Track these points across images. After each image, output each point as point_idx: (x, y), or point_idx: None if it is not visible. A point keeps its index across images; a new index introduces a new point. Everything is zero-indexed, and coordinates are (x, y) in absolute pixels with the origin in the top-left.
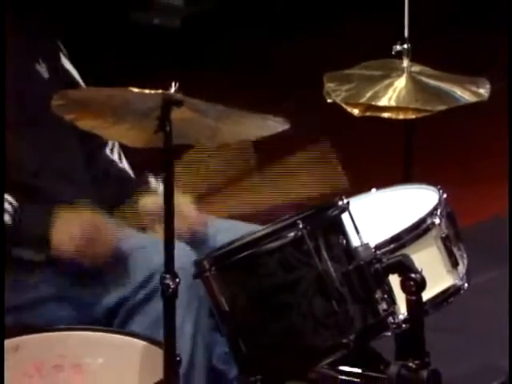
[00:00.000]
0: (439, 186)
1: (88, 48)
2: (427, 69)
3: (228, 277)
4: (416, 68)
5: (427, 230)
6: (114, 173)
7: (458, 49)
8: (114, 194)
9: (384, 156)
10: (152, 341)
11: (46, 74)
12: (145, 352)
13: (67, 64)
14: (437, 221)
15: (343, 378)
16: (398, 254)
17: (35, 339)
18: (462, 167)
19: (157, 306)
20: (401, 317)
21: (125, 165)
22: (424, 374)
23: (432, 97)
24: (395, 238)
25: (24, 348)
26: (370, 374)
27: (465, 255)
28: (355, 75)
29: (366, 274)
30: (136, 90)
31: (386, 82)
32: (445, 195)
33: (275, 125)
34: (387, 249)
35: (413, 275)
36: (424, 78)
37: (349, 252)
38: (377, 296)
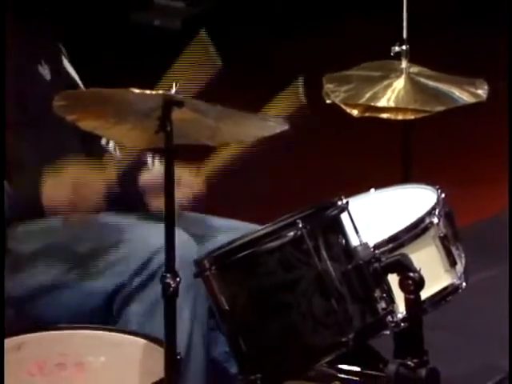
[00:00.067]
0: (437, 186)
1: (89, 49)
2: (426, 70)
3: (228, 276)
4: (414, 69)
5: (425, 229)
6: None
7: (457, 49)
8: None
9: (383, 156)
10: (153, 339)
11: (48, 76)
12: (146, 350)
13: (68, 66)
14: (435, 220)
15: (342, 376)
16: (396, 253)
17: (37, 338)
18: (461, 167)
19: (152, 292)
20: (399, 315)
21: (118, 155)
22: (422, 372)
23: (430, 97)
24: (394, 238)
25: (26, 347)
26: (369, 372)
27: (463, 254)
28: (354, 76)
29: (365, 273)
30: (137, 90)
31: (385, 82)
32: (443, 195)
33: (275, 125)
34: (386, 248)
35: (411, 274)
36: (422, 79)
37: (348, 251)
38: (376, 295)
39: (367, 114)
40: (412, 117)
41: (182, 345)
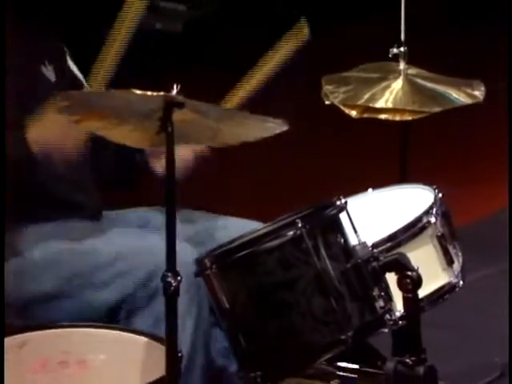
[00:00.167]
0: (435, 186)
1: (90, 51)
2: (423, 71)
3: (228, 275)
4: (412, 71)
5: (423, 228)
6: None
7: (457, 49)
8: None
9: (381, 156)
10: (154, 337)
11: (52, 77)
12: (147, 348)
13: (73, 66)
14: (432, 220)
15: (341, 373)
16: (394, 252)
17: (40, 336)
18: (458, 167)
19: (157, 306)
20: (397, 314)
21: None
22: (420, 370)
23: (428, 99)
24: (392, 237)
25: (29, 345)
26: (368, 369)
27: (460, 253)
28: (353, 78)
29: (364, 272)
30: (139, 92)
31: (383, 84)
32: (440, 195)
33: (274, 126)
34: (384, 247)
35: (409, 273)
36: (420, 81)
37: (347, 250)
38: (374, 293)
39: (366, 115)
40: (410, 118)
41: (184, 353)
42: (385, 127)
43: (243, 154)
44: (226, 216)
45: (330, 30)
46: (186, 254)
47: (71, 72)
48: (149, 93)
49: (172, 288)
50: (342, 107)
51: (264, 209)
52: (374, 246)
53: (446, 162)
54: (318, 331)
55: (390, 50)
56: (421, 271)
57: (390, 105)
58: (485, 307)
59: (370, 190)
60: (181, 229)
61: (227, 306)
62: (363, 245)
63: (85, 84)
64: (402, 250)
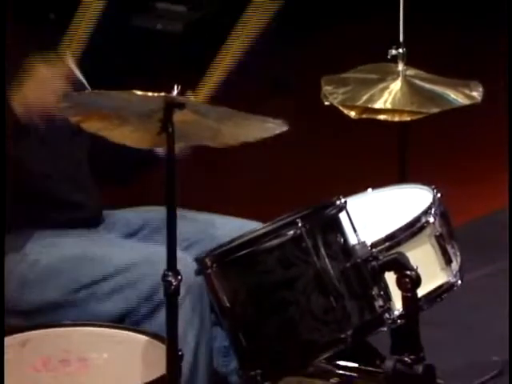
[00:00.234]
0: (433, 186)
1: (92, 52)
2: (421, 72)
3: (229, 274)
4: (411, 72)
5: (422, 228)
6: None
7: (456, 49)
8: None
9: (380, 157)
10: (155, 336)
11: None
12: (148, 347)
13: (74, 68)
14: (431, 219)
15: (341, 372)
16: (393, 251)
17: (42, 335)
18: (456, 168)
19: (161, 318)
20: (396, 313)
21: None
22: (419, 368)
23: (426, 99)
24: (391, 237)
25: (31, 343)
26: (367, 368)
27: (458, 253)
28: (352, 79)
29: (363, 271)
30: (139, 92)
31: (382, 85)
32: (439, 195)
33: (274, 127)
34: (383, 247)
35: (408, 272)
36: (419, 82)
37: (346, 250)
38: (373, 293)
39: (364, 116)
40: (408, 118)
41: (186, 360)
42: (384, 128)
43: (243, 154)
44: (225, 216)
45: (329, 30)
46: (186, 265)
47: (73, 75)
48: (149, 94)
49: (172, 287)
50: (341, 108)
51: (264, 209)
52: (374, 245)
53: (444, 162)
54: (317, 330)
55: (389, 51)
56: (419, 270)
57: (388, 105)
58: (483, 306)
59: (369, 189)
60: (181, 228)
61: (227, 304)
62: (362, 244)
63: (87, 86)
64: (400, 249)
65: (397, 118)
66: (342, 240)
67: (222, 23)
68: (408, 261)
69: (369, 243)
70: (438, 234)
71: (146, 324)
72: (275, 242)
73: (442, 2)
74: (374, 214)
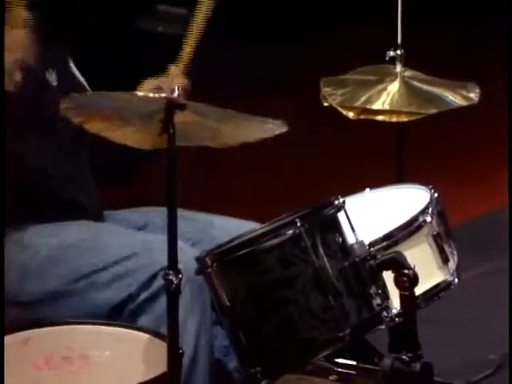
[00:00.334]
0: (430, 186)
1: (92, 54)
2: (419, 74)
3: (229, 273)
4: (409, 73)
5: (419, 227)
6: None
7: (455, 50)
8: None
9: (378, 157)
10: (156, 334)
11: (54, 82)
12: (149, 345)
13: (75, 70)
14: (428, 219)
15: (339, 370)
16: (391, 250)
17: (44, 332)
18: (453, 168)
19: (160, 306)
20: (394, 311)
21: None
22: (417, 366)
23: (424, 101)
24: (389, 236)
25: (33, 341)
26: (365, 366)
27: (455, 252)
28: (350, 80)
29: (361, 270)
30: (141, 93)
31: (380, 86)
32: (436, 194)
33: (274, 127)
34: (381, 246)
35: (406, 271)
36: (416, 83)
37: (344, 249)
38: (371, 291)
39: (363, 117)
40: (406, 119)
41: (187, 355)
42: (382, 128)
43: (243, 154)
44: (225, 216)
45: (329, 30)
46: (187, 256)
47: (73, 76)
48: (151, 95)
49: (173, 286)
50: (339, 109)
51: (264, 209)
52: (372, 244)
53: (441, 162)
54: (316, 328)
55: (387, 52)
56: (417, 269)
57: (386, 106)
58: (479, 305)
59: (367, 189)
60: (181, 228)
61: (227, 303)
62: (361, 243)
63: (87, 87)
64: (398, 248)
65: (395, 119)
66: (341, 239)
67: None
68: (405, 260)
69: (367, 242)
70: (435, 233)
71: (146, 312)
72: (274, 241)
73: (443, 0)
74: (372, 213)
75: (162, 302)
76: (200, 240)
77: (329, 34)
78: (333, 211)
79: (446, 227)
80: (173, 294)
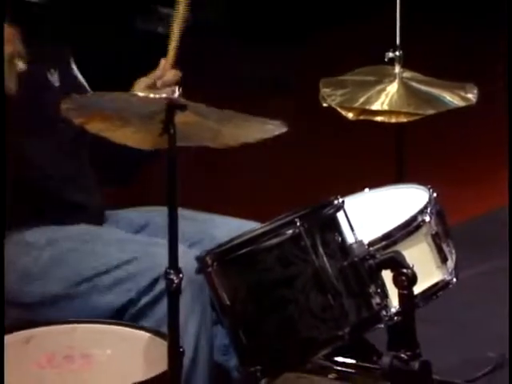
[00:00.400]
0: (429, 186)
1: (93, 55)
2: (418, 75)
3: (229, 272)
4: (407, 74)
5: (418, 227)
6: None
7: (454, 50)
8: None
9: (377, 157)
10: (157, 333)
11: (57, 82)
12: (150, 344)
13: (76, 71)
14: (427, 218)
15: (338, 368)
16: (390, 250)
17: (46, 331)
18: (452, 168)
19: (161, 310)
20: (393, 310)
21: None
22: (415, 364)
23: (423, 101)
24: (387, 235)
25: (35, 340)
26: (364, 364)
27: (453, 251)
28: (349, 81)
29: (361, 269)
30: (142, 94)
31: (379, 87)
32: (434, 194)
33: (274, 128)
34: (380, 245)
35: (404, 270)
36: (415, 84)
37: (344, 248)
38: (370, 290)
39: (362, 117)
40: (405, 120)
41: (187, 356)
42: (381, 129)
43: (243, 154)
44: (225, 216)
45: (329, 30)
46: (187, 257)
47: (75, 77)
48: (151, 95)
49: (174, 285)
50: (339, 109)
51: (264, 209)
52: (371, 244)
53: (440, 162)
54: (316, 327)
55: (386, 54)
56: (416, 269)
57: (385, 107)
58: (478, 304)
59: (366, 189)
60: (181, 228)
61: (228, 302)
62: (360, 243)
63: (87, 88)
64: (397, 248)
65: (393, 120)
66: (340, 239)
67: (222, 26)
68: (404, 259)
69: (366, 242)
70: (433, 232)
71: (147, 316)
72: (274, 240)
73: (442, 1)
74: (371, 213)
75: (163, 306)
76: (200, 240)
77: (329, 34)
78: (332, 211)
79: (445, 227)
80: (173, 293)
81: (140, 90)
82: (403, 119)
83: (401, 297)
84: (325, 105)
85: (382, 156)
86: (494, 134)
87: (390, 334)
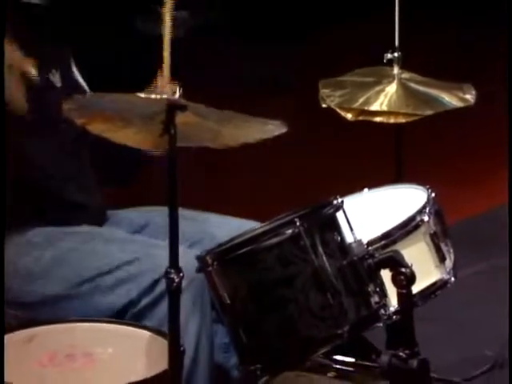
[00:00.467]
0: (428, 186)
1: (94, 56)
2: (416, 76)
3: (229, 271)
4: (406, 75)
5: (416, 227)
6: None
7: (457, 47)
8: None
9: (376, 158)
10: (157, 332)
11: (58, 83)
12: (151, 342)
13: (77, 73)
14: (425, 218)
15: (337, 366)
16: (389, 249)
17: (48, 330)
18: (450, 168)
19: (162, 311)
20: (392, 309)
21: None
22: (414, 363)
23: (421, 102)
24: (386, 235)
25: (37, 339)
26: (363, 362)
27: (451, 251)
28: (348, 82)
29: (360, 268)
30: (142, 95)
31: (378, 88)
32: (433, 194)
33: (273, 128)
34: (379, 245)
35: (403, 270)
36: (413, 85)
37: (343, 248)
38: (369, 289)
39: (361, 118)
40: (403, 120)
41: (188, 355)
42: (380, 129)
43: (243, 154)
44: (225, 216)
45: (329, 30)
46: (188, 257)
47: (75, 80)
48: (153, 96)
49: (174, 284)
50: (338, 110)
51: (263, 209)
52: (370, 243)
53: (439, 163)
54: (315, 326)
55: (385, 55)
56: (414, 268)
57: (384, 108)
58: (476, 303)
59: (365, 189)
60: (181, 228)
61: (228, 301)
62: (359, 242)
63: (87, 90)
64: (396, 247)
65: (392, 120)
66: (339, 238)
67: (223, 28)
68: (403, 258)
69: (365, 241)
70: (432, 232)
71: (147, 316)
72: (274, 240)
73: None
74: (370, 213)
75: (164, 307)
76: (200, 239)
77: (329, 33)
78: (331, 211)
79: (443, 226)
80: (174, 292)
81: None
82: (402, 120)
83: (399, 296)
84: (324, 105)
85: (382, 156)
86: (492, 134)
87: (389, 333)
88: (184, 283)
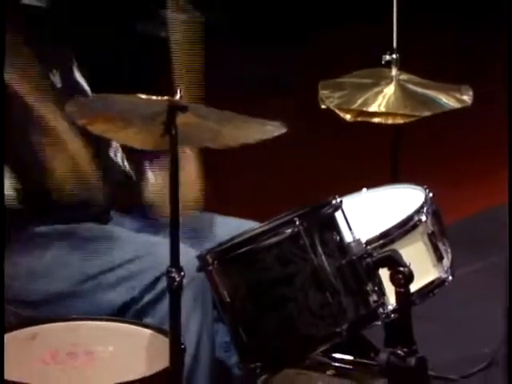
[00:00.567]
0: (425, 186)
1: (96, 59)
2: (414, 77)
3: (229, 271)
4: (404, 76)
5: (414, 226)
6: (116, 174)
7: (456, 50)
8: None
9: (374, 158)
10: (159, 330)
11: (58, 83)
12: (152, 340)
13: (78, 74)
14: (423, 218)
15: (336, 364)
16: (387, 249)
17: (50, 328)
18: (448, 168)
19: (164, 308)
20: (390, 307)
21: (127, 167)
22: (412, 360)
23: (419, 103)
24: (385, 234)
25: (39, 337)
26: (362, 360)
27: (449, 250)
28: (347, 83)
29: (358, 267)
30: (144, 96)
31: (376, 89)
32: (431, 194)
33: (273, 129)
34: (377, 244)
35: (401, 269)
36: (411, 86)
37: (342, 247)
38: (368, 288)
39: (359, 119)
40: (401, 121)
41: (189, 353)
42: (379, 130)
43: (243, 154)
44: (225, 216)
45: (329, 30)
46: (188, 256)
47: (76, 80)
48: (154, 97)
49: (175, 283)
50: (337, 111)
51: (263, 209)
52: (368, 242)
53: (436, 163)
54: (314, 325)
55: (383, 56)
56: (412, 267)
57: (382, 109)
58: (473, 301)
59: (364, 189)
60: (182, 227)
61: (228, 300)
62: (358, 242)
63: (88, 91)
64: (394, 246)
65: (390, 121)
66: (338, 238)
67: (223, 30)
68: (401, 258)
69: (364, 241)
70: (430, 231)
71: (150, 313)
72: (274, 239)
73: (442, 1)
74: (369, 212)
75: (165, 305)
76: (201, 239)
77: (329, 34)
78: (330, 210)
79: (441, 226)
80: (175, 291)
81: None
82: (400, 121)
83: (397, 294)
84: (323, 106)
85: (380, 156)
86: (491, 134)
87: (387, 331)
88: (185, 282)
